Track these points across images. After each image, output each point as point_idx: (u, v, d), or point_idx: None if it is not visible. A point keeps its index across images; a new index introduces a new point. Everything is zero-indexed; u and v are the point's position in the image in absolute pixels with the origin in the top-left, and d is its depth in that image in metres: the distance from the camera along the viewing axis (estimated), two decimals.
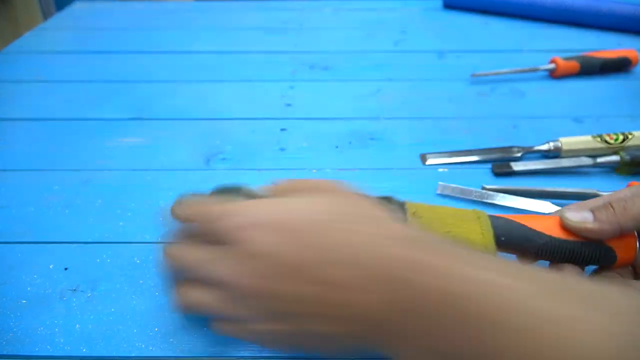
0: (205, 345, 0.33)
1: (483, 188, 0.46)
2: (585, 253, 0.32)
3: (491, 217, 0.33)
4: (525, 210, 0.43)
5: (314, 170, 0.50)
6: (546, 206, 0.43)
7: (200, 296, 0.27)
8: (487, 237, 0.32)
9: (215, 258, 0.26)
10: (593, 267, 0.34)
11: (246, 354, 0.32)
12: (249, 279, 0.24)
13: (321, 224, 0.24)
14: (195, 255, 0.27)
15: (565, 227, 0.32)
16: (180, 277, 0.29)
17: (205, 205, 0.28)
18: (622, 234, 0.31)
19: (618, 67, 0.68)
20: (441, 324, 0.22)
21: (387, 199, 0.35)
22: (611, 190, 0.36)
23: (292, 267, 0.24)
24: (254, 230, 0.25)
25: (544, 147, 0.51)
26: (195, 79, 0.69)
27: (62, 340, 0.33)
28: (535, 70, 0.68)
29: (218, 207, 0.27)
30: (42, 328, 0.34)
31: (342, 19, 0.91)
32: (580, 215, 0.31)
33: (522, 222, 0.33)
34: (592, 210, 0.31)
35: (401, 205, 0.34)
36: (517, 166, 0.49)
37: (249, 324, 0.26)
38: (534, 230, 0.32)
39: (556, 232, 0.32)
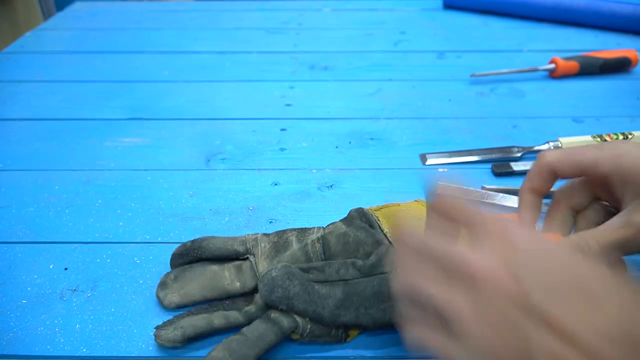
0: (205, 345, 0.33)
1: (483, 188, 0.46)
2: None
3: None
4: None
5: (314, 170, 0.50)
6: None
7: (430, 337, 0.25)
8: None
9: (456, 301, 0.24)
10: None
11: None
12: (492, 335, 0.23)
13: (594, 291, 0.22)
14: (436, 291, 0.24)
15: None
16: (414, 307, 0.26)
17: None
18: None
19: (618, 67, 0.68)
20: None
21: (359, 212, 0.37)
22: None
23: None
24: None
25: (544, 147, 0.51)
26: (195, 79, 0.69)
27: (62, 340, 0.33)
28: (535, 70, 0.68)
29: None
30: (42, 328, 0.34)
31: (342, 19, 0.91)
32: None
33: None
34: None
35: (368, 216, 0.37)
36: (517, 166, 0.49)
37: None
38: None
39: None
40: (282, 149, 0.53)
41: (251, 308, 0.33)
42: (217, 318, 0.32)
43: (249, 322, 0.32)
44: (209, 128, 0.57)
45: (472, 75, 0.66)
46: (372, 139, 0.55)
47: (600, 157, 0.32)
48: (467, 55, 0.75)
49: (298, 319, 0.31)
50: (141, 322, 0.34)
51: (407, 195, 0.46)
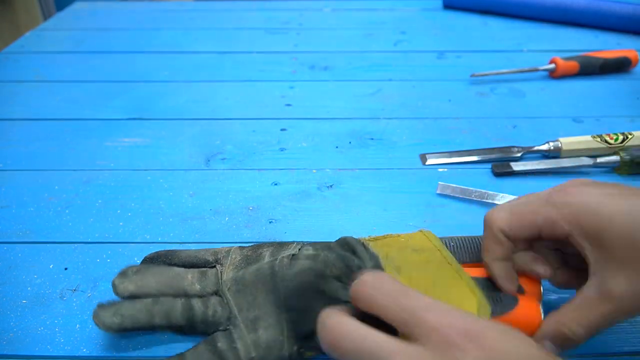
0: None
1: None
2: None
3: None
4: None
5: (314, 170, 0.50)
6: None
7: None
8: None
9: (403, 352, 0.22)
10: None
11: None
12: None
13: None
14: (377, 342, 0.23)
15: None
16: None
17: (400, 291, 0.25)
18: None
19: (618, 67, 0.68)
20: None
21: (361, 245, 0.34)
22: None
23: None
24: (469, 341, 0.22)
25: (544, 147, 0.51)
26: (195, 79, 0.69)
27: (62, 340, 0.33)
28: (535, 70, 0.68)
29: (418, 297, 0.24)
30: (42, 328, 0.34)
31: (342, 19, 0.91)
32: None
33: None
34: None
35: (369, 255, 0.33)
36: (517, 166, 0.49)
37: None
38: None
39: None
40: (282, 149, 0.53)
41: (199, 308, 0.32)
42: (159, 316, 0.32)
43: (190, 326, 0.32)
44: (209, 128, 0.57)
45: (472, 75, 0.67)
46: (372, 139, 0.55)
47: (555, 217, 0.28)
48: (467, 55, 0.75)
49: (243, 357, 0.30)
50: None
51: (408, 195, 0.46)
